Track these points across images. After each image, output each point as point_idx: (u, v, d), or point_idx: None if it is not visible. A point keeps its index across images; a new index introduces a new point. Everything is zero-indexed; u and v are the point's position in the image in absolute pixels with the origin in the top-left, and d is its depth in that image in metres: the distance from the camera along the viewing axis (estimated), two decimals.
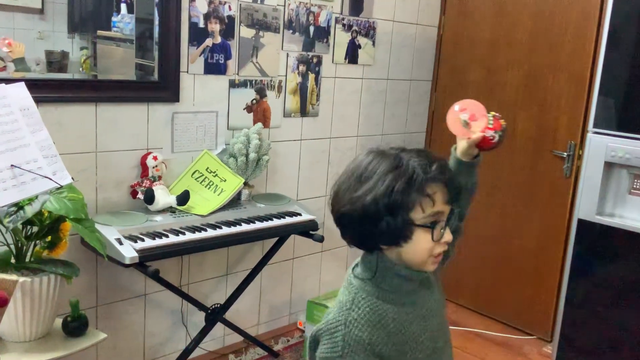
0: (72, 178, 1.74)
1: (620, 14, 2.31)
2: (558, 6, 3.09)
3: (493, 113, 1.39)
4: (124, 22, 2.41)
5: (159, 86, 2.42)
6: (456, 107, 1.40)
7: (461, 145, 1.38)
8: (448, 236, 1.18)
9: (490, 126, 1.36)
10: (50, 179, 1.62)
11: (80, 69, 2.33)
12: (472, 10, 3.46)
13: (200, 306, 2.59)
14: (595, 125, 2.39)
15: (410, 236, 1.15)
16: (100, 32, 2.39)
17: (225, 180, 2.55)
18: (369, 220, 1.15)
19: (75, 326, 2.00)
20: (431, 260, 1.19)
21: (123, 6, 2.40)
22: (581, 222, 2.46)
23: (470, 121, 1.38)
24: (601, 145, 2.38)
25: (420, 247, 1.16)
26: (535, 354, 3.19)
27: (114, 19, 2.41)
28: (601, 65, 2.37)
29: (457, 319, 3.48)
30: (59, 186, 1.67)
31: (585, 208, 2.44)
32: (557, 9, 3.09)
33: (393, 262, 1.20)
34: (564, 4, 3.07)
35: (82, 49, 2.34)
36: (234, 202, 2.60)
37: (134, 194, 2.39)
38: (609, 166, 2.39)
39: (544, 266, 3.24)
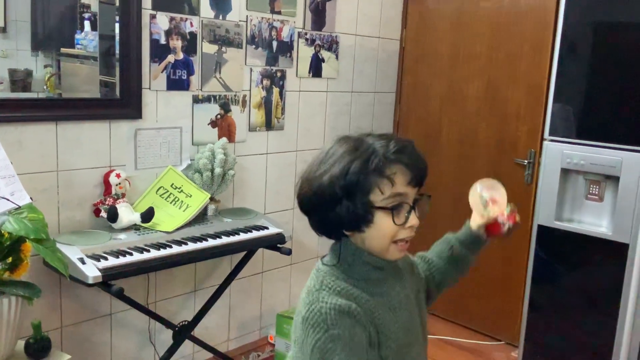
0: (31, 198, 1.72)
1: (573, 24, 2.39)
2: (514, 18, 3.18)
3: (512, 206, 1.44)
4: (87, 39, 2.40)
5: (120, 103, 2.41)
6: (483, 183, 1.47)
7: (476, 220, 1.45)
8: (414, 221, 1.15)
9: (506, 214, 1.41)
10: (8, 200, 1.60)
11: (45, 87, 2.31)
12: (432, 24, 3.54)
13: (167, 324, 2.57)
14: (551, 133, 2.46)
15: (371, 220, 1.12)
16: (63, 50, 2.38)
17: (190, 196, 2.55)
18: (327, 202, 1.12)
19: (37, 348, 1.97)
20: (395, 247, 1.16)
21: (87, 23, 2.39)
22: (541, 228, 2.52)
23: (490, 202, 1.43)
24: (557, 153, 2.45)
25: (383, 232, 1.13)
26: (504, 359, 3.24)
27: (77, 36, 2.40)
28: (555, 75, 2.44)
29: (428, 327, 3.51)
30: (17, 206, 1.65)
31: (544, 214, 2.50)
32: (514, 21, 3.18)
33: (359, 248, 1.17)
34: (520, 16, 3.16)
35: (46, 67, 2.32)
36: (201, 217, 2.60)
37: (97, 212, 2.37)
38: (566, 173, 2.46)
39: (509, 272, 3.30)
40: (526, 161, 3.18)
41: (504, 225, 1.40)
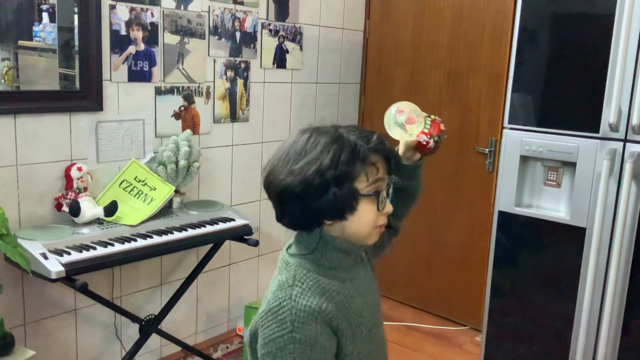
0: None
1: (531, 13, 2.44)
2: (474, 8, 3.24)
3: (433, 117, 1.38)
4: (46, 31, 2.35)
5: (80, 95, 2.37)
6: (392, 109, 1.38)
7: (401, 147, 1.40)
8: (389, 207, 1.21)
9: (426, 130, 1.35)
10: None
11: (2, 81, 2.26)
12: (395, 15, 3.58)
13: (133, 318, 2.55)
14: (510, 122, 2.52)
15: (355, 207, 1.15)
16: (21, 42, 2.32)
17: (155, 189, 2.52)
18: (314, 193, 1.13)
19: (0, 345, 1.94)
20: (375, 232, 1.21)
21: (45, 15, 2.34)
22: (502, 214, 2.58)
23: (406, 124, 1.37)
24: (516, 140, 2.50)
25: (365, 218, 1.17)
26: (469, 344, 3.31)
27: (35, 28, 2.34)
28: (513, 64, 2.50)
29: (393, 314, 3.56)
30: None
31: (505, 200, 2.56)
32: (474, 11, 3.24)
33: (332, 236, 1.19)
34: (480, 6, 3.22)
35: (3, 60, 2.27)
36: (166, 210, 2.58)
37: (58, 206, 2.33)
38: (525, 160, 2.52)
39: (472, 258, 3.37)
40: (487, 150, 3.25)
41: (429, 142, 1.35)
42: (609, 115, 2.26)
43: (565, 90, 2.41)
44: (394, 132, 1.38)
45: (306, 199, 1.14)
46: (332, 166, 1.12)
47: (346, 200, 1.14)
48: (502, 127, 2.57)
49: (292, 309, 1.11)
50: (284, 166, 1.16)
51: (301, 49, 3.33)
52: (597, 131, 2.32)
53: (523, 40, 2.47)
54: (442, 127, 1.37)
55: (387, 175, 1.21)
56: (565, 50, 2.41)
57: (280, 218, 1.21)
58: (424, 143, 1.36)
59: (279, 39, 3.19)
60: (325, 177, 1.12)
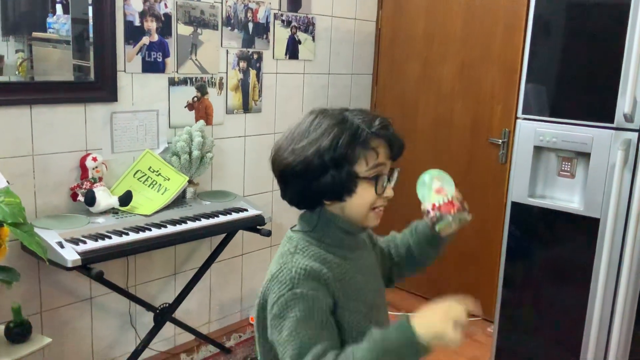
0: (7, 182, 1.71)
1: (545, 4, 2.42)
2: None
3: (454, 197, 1.34)
4: (59, 23, 2.37)
5: (95, 86, 2.39)
6: (426, 176, 1.36)
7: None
8: (389, 192, 1.22)
9: (437, 204, 1.31)
10: None
11: (17, 72, 2.28)
12: (407, 6, 3.56)
13: (148, 307, 2.58)
14: (524, 112, 2.50)
15: (354, 189, 1.17)
16: (35, 34, 2.34)
17: (168, 179, 2.54)
18: (313, 173, 1.16)
19: (18, 332, 1.98)
20: (373, 214, 1.22)
21: (58, 7, 2.36)
22: (515, 205, 2.57)
23: (434, 193, 1.33)
24: (530, 131, 2.49)
25: (363, 201, 1.19)
26: (481, 334, 3.31)
27: (49, 20, 2.36)
28: (527, 54, 2.48)
29: (403, 304, 3.57)
30: None
31: (518, 191, 2.55)
32: (487, 1, 3.21)
33: (335, 215, 1.22)
34: None
35: (17, 51, 2.29)
36: (179, 200, 2.60)
37: (74, 196, 2.36)
38: (538, 150, 2.50)
39: (485, 249, 3.37)
40: (500, 141, 3.23)
41: (434, 217, 1.31)
42: (623, 105, 2.24)
43: (579, 80, 2.39)
44: (421, 194, 1.35)
45: (305, 178, 1.17)
46: (331, 148, 1.14)
47: (344, 183, 1.16)
48: (516, 118, 2.55)
49: (291, 269, 1.14)
50: (288, 146, 1.19)
51: (313, 39, 3.33)
52: (612, 121, 2.30)
53: (537, 30, 2.45)
54: (455, 208, 1.33)
55: (389, 161, 1.21)
56: (580, 40, 2.38)
57: (283, 195, 1.24)
58: (429, 215, 1.33)
59: (291, 30, 3.19)
60: (323, 158, 1.14)
